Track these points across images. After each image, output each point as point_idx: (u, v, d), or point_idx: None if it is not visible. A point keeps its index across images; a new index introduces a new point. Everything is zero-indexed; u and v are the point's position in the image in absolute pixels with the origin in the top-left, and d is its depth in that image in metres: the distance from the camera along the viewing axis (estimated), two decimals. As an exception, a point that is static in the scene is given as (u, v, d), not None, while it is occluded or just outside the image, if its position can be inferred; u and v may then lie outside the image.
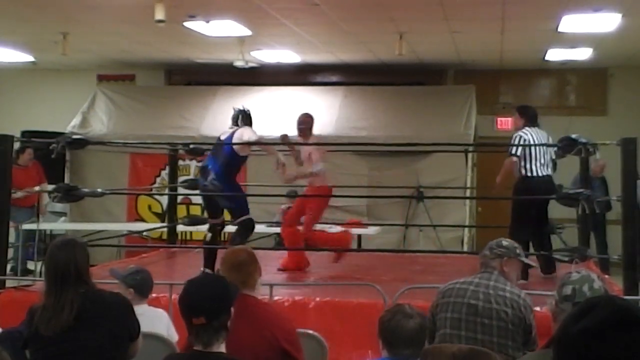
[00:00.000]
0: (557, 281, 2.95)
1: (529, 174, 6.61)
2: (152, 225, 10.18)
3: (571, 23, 8.73)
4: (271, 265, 7.14)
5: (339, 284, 6.41)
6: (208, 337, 2.89)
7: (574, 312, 1.56)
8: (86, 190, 6.70)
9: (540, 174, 6.64)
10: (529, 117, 6.87)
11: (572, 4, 7.95)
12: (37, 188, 9.61)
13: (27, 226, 9.86)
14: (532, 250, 6.65)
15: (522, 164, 6.64)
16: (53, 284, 3.28)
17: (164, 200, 10.36)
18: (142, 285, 4.51)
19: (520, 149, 6.60)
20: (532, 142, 6.60)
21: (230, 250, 3.85)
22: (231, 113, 6.97)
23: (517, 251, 3.85)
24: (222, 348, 2.93)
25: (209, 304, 2.92)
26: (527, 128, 6.74)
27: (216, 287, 3.01)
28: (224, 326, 2.92)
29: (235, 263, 3.60)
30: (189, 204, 10.93)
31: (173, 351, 3.73)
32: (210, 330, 2.89)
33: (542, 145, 6.61)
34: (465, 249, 9.98)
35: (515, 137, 6.74)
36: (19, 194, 8.89)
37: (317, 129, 10.91)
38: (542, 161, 6.67)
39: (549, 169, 6.76)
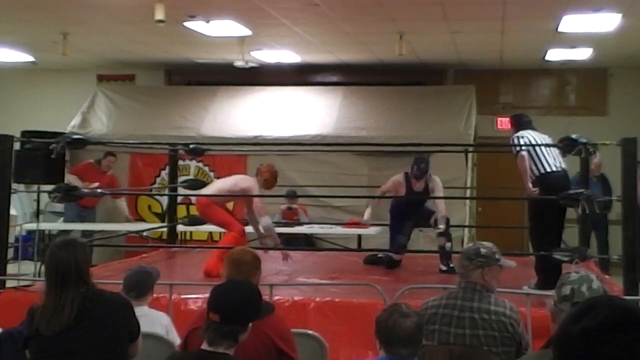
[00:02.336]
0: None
1: (542, 171, 6.36)
2: (152, 225, 10.18)
3: (571, 23, 8.72)
4: (267, 265, 7.15)
5: (339, 284, 6.41)
6: (214, 336, 2.89)
7: (573, 312, 1.55)
8: (86, 190, 6.69)
9: (554, 169, 6.38)
10: (519, 124, 6.68)
11: (572, 4, 7.95)
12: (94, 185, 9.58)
13: (27, 226, 9.86)
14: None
15: (533, 164, 6.39)
16: (53, 284, 3.28)
17: (164, 200, 10.36)
18: (125, 286, 4.42)
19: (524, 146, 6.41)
20: (531, 141, 6.48)
21: (239, 249, 3.87)
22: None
23: (497, 256, 3.76)
24: (230, 352, 2.92)
25: (230, 309, 2.91)
26: (521, 131, 6.56)
27: (248, 299, 2.99)
28: (233, 335, 2.91)
29: (238, 261, 3.62)
30: (189, 204, 10.93)
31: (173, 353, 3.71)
32: (218, 332, 2.89)
33: (544, 145, 6.49)
34: (465, 249, 9.96)
35: (513, 139, 6.56)
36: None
37: (317, 129, 11.03)
38: (552, 157, 6.43)
39: (563, 163, 6.51)
